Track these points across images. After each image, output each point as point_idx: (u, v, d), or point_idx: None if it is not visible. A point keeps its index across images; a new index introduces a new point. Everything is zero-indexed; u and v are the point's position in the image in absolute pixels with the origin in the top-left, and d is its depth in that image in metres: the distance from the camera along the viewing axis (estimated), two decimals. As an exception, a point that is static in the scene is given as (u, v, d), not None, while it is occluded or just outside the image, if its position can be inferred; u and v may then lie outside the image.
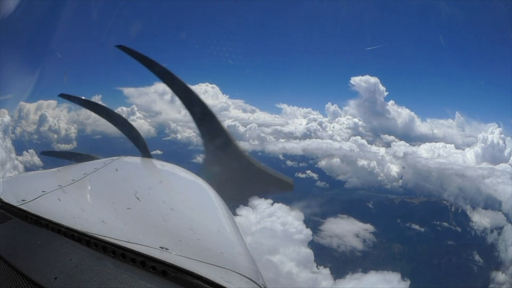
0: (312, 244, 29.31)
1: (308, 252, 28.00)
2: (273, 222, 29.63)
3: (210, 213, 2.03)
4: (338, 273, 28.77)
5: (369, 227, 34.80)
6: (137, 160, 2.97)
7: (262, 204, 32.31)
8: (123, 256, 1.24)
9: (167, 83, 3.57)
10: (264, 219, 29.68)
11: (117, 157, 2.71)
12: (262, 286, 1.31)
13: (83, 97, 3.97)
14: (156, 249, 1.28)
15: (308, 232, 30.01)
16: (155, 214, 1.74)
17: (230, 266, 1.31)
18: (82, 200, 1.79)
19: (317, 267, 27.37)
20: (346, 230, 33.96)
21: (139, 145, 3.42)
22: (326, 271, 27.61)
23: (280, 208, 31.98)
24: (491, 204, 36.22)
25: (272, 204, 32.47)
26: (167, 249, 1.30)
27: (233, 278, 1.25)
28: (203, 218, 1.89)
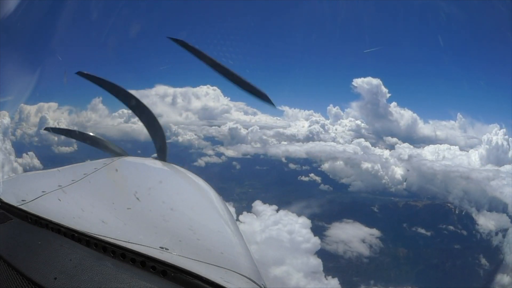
0: (318, 251, 28.73)
1: (315, 261, 27.42)
2: (278, 229, 29.16)
3: (210, 213, 2.03)
4: (347, 282, 28.35)
5: (375, 231, 34.35)
6: (137, 160, 2.97)
7: (266, 211, 31.96)
8: (123, 256, 1.24)
9: (231, 79, 3.21)
10: (269, 227, 29.20)
11: (117, 157, 2.72)
12: (262, 286, 1.30)
13: (103, 78, 3.37)
14: (156, 249, 1.28)
15: (313, 238, 29.47)
16: (155, 214, 1.73)
17: (230, 266, 1.31)
18: (82, 200, 1.79)
19: (325, 277, 26.86)
20: (351, 235, 33.50)
21: (158, 145, 3.21)
22: (334, 282, 27.15)
23: (284, 214, 31.55)
24: (495, 206, 35.88)
25: (277, 211, 32.09)
26: (167, 249, 1.30)
27: (233, 278, 1.24)
28: (203, 218, 1.89)
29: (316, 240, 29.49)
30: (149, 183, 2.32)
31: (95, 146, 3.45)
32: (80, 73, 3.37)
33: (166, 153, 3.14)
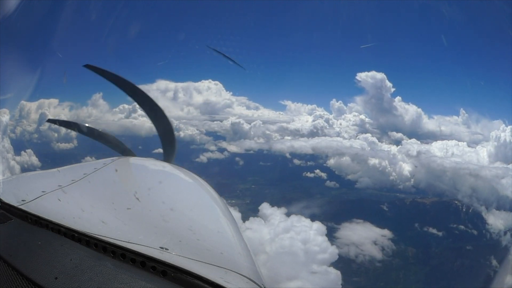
0: (334, 262, 27.53)
1: (332, 272, 26.31)
2: (290, 237, 27.93)
3: (210, 213, 2.03)
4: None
5: (386, 232, 33.50)
6: (137, 160, 2.97)
7: (274, 214, 30.93)
8: (123, 256, 1.24)
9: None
10: (279, 235, 27.98)
11: (117, 157, 2.72)
12: (262, 286, 1.29)
13: (112, 72, 3.18)
14: (156, 249, 1.28)
15: (330, 248, 27.86)
16: (155, 214, 1.74)
17: (230, 266, 1.31)
18: (82, 201, 1.79)
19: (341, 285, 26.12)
20: (363, 236, 32.61)
21: (166, 146, 3.10)
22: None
23: (296, 220, 30.37)
24: (503, 204, 35.18)
25: (286, 215, 31.07)
26: (167, 249, 1.30)
27: (233, 278, 1.24)
28: (203, 218, 1.89)
29: (333, 249, 27.83)
30: (149, 183, 2.33)
31: (100, 141, 3.36)
32: (88, 66, 3.21)
33: (174, 157, 3.07)
